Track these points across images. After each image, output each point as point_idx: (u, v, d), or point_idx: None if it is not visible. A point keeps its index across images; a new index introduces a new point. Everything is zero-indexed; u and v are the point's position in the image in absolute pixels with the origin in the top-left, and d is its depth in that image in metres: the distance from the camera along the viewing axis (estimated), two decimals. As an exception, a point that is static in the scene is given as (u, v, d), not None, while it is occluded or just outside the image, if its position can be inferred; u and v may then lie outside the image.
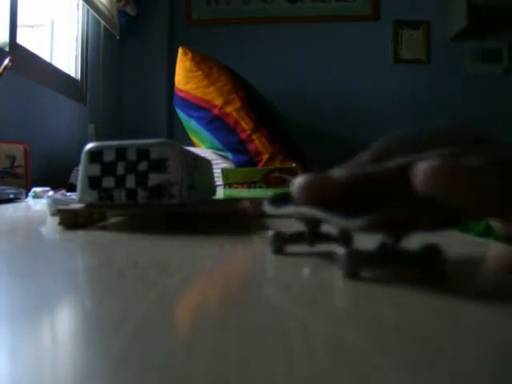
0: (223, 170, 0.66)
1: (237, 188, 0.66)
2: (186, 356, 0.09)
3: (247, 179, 0.67)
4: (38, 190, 0.81)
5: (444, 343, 0.10)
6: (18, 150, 1.06)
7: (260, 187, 0.66)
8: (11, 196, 0.71)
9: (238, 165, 1.54)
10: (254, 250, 0.24)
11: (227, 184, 0.66)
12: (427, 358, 0.09)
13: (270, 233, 0.21)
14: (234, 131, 1.59)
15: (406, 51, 2.29)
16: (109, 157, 0.29)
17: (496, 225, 0.26)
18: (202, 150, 1.57)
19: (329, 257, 0.20)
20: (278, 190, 0.60)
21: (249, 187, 0.66)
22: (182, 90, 1.68)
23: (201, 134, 1.69)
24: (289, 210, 0.19)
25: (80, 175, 0.30)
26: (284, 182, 0.65)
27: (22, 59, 1.29)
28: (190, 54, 1.65)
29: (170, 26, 2.28)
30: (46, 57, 1.57)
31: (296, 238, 0.21)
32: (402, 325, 0.11)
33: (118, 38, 1.97)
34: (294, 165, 0.71)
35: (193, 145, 1.75)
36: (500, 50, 2.25)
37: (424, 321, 0.12)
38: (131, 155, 0.29)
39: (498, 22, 2.07)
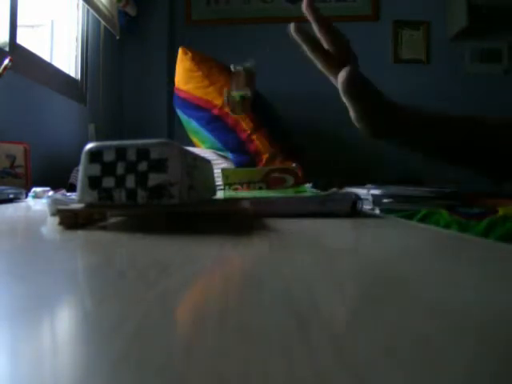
0: (223, 170, 0.66)
1: (237, 188, 0.66)
2: (185, 356, 0.09)
3: (247, 179, 0.67)
4: (38, 190, 0.81)
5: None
6: (18, 150, 1.06)
7: (260, 187, 0.66)
8: (11, 196, 0.71)
9: (238, 165, 1.54)
10: (254, 250, 0.24)
11: (227, 184, 0.66)
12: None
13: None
14: (234, 131, 1.59)
15: (406, 51, 2.29)
16: (109, 157, 0.29)
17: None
18: (201, 150, 1.57)
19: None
20: (279, 191, 0.60)
21: (249, 187, 0.66)
22: (182, 90, 1.68)
23: (201, 134, 1.68)
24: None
25: (80, 175, 0.30)
26: (284, 182, 0.65)
27: (22, 59, 1.30)
28: (190, 54, 1.65)
29: (169, 26, 2.28)
30: (46, 57, 1.57)
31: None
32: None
33: (118, 37, 1.97)
34: (293, 165, 0.71)
35: (193, 145, 1.75)
36: (500, 50, 2.25)
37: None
38: (131, 155, 0.29)
39: (498, 21, 2.07)
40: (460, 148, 0.55)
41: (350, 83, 0.48)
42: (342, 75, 0.49)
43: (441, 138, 0.55)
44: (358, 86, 0.50)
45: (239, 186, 0.66)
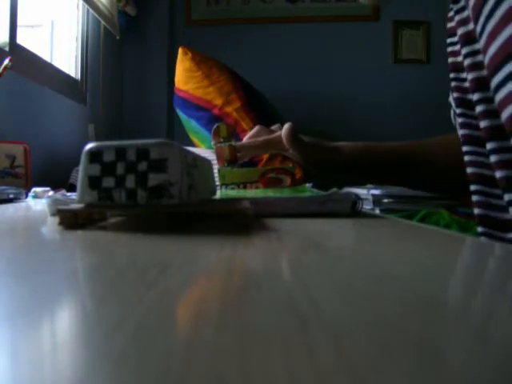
0: (219, 170, 0.66)
1: (233, 188, 0.66)
2: (185, 356, 0.09)
3: (244, 179, 0.67)
4: (38, 190, 0.81)
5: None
6: (18, 150, 1.06)
7: (257, 188, 0.66)
8: (11, 196, 0.71)
9: (238, 165, 1.54)
10: (254, 250, 0.24)
11: (224, 184, 0.66)
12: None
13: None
14: (234, 131, 1.59)
15: (406, 51, 2.29)
16: (109, 157, 0.29)
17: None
18: (201, 150, 1.57)
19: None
20: (276, 191, 0.60)
21: (245, 187, 0.66)
22: (181, 90, 1.68)
23: (201, 134, 1.68)
24: None
25: (80, 175, 0.30)
26: (280, 182, 0.65)
27: (22, 59, 1.29)
28: (189, 54, 1.65)
29: (169, 25, 2.28)
30: (46, 57, 1.57)
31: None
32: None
33: (118, 37, 1.97)
34: (290, 165, 0.71)
35: (193, 145, 1.75)
36: (500, 50, 2.25)
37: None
38: (131, 155, 0.29)
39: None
40: (406, 177, 0.67)
41: (290, 133, 0.62)
42: (285, 128, 0.63)
43: (386, 175, 0.68)
44: (298, 137, 0.63)
45: (236, 186, 0.66)
